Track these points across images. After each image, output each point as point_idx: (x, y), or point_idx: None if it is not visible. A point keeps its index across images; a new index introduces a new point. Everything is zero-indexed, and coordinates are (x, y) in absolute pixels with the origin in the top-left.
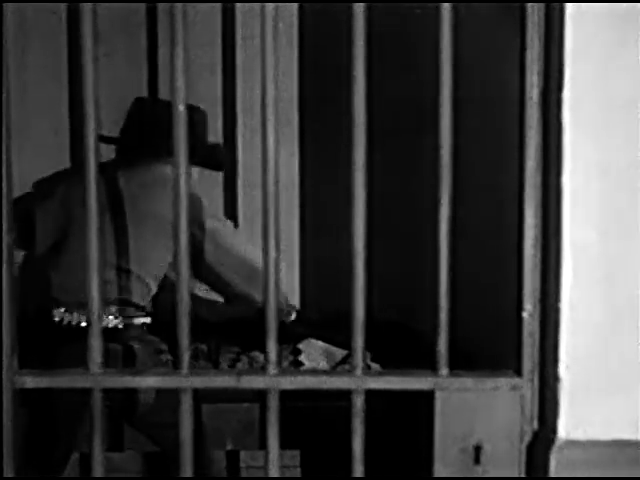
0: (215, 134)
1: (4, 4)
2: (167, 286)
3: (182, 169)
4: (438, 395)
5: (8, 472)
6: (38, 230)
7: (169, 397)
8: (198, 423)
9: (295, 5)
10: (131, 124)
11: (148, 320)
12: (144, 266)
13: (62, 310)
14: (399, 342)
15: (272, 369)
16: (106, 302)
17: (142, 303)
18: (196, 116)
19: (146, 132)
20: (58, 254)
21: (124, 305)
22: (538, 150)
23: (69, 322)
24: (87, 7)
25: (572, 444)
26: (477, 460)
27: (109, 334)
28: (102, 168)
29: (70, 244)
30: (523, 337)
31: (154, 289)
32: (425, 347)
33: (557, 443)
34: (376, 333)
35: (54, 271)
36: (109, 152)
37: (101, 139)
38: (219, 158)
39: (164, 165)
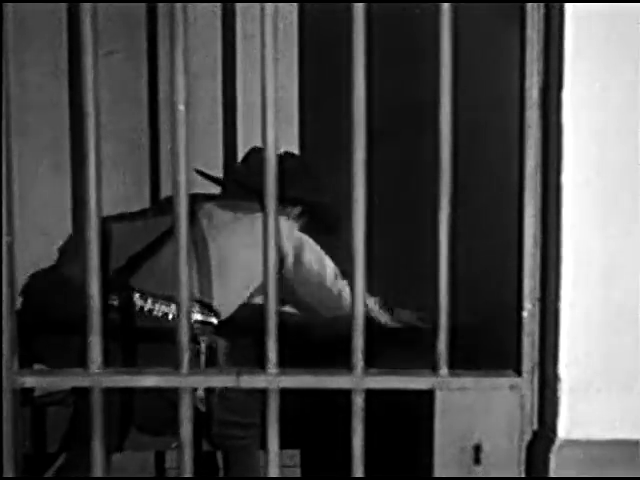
0: (215, 134)
1: (4, 4)
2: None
3: (182, 173)
4: (438, 394)
5: (8, 472)
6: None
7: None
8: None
9: (295, 5)
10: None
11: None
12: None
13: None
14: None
15: (272, 369)
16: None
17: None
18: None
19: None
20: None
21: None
22: (538, 150)
23: (150, 310)
24: (87, 7)
25: (572, 444)
26: (477, 459)
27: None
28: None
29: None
30: (523, 336)
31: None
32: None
33: (557, 442)
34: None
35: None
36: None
37: (208, 178)
38: (330, 220)
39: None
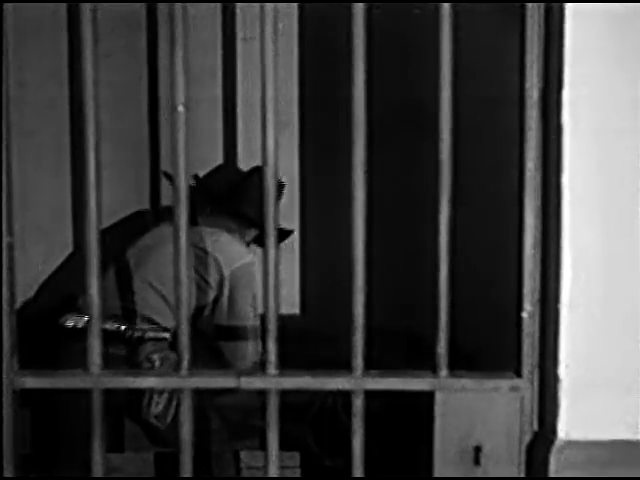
0: (215, 134)
1: (4, 4)
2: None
3: (182, 173)
4: (438, 396)
5: (8, 472)
6: None
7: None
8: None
9: (295, 5)
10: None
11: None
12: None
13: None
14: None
15: (272, 369)
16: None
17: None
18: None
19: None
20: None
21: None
22: (538, 150)
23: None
24: (87, 7)
25: (572, 444)
26: (477, 460)
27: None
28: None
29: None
30: (523, 337)
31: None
32: (426, 351)
33: (557, 443)
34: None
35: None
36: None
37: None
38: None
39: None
